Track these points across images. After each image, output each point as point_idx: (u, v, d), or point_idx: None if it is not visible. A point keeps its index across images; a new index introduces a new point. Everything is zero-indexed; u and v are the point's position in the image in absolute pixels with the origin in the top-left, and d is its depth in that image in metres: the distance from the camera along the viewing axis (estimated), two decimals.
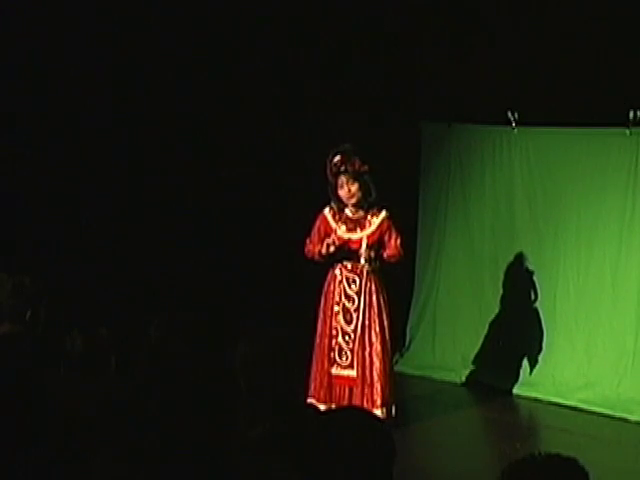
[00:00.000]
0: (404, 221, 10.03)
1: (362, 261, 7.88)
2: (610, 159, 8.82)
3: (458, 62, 9.61)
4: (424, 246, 10.17)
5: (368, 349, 7.88)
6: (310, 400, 7.80)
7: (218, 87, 9.92)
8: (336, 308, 7.94)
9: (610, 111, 8.46)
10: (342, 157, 7.77)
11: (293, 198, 9.91)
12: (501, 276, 9.50)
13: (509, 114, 9.25)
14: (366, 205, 7.92)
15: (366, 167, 7.80)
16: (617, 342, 8.74)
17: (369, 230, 7.91)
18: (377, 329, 7.90)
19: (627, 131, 8.63)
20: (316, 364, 7.93)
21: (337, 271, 7.96)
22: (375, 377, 7.85)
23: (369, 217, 7.93)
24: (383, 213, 7.95)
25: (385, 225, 7.95)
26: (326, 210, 8.00)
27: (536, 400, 9.02)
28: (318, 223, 8.01)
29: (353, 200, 7.87)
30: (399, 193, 9.93)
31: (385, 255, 7.95)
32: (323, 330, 7.96)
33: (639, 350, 8.63)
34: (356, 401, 7.79)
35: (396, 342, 9.40)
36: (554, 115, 8.82)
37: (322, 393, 7.89)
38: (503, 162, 9.57)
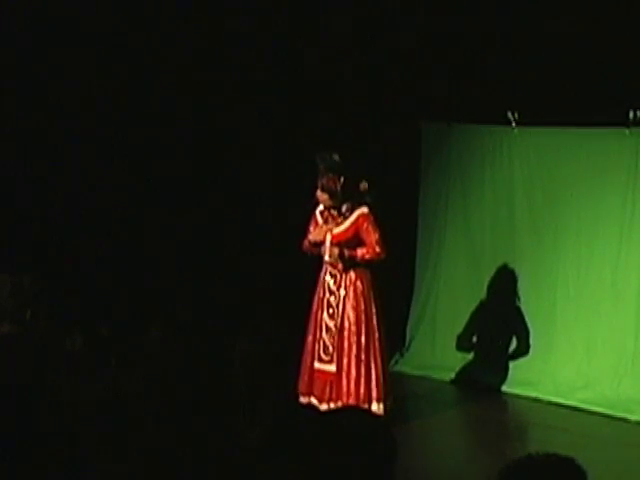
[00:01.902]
0: (404, 221, 10.05)
1: (326, 258, 7.92)
2: (610, 159, 8.82)
3: (458, 62, 9.61)
4: (424, 246, 10.17)
5: (339, 344, 7.93)
6: (301, 396, 7.92)
7: (218, 86, 9.92)
8: (322, 303, 8.03)
9: (610, 111, 8.46)
10: (322, 169, 7.86)
11: (293, 198, 9.91)
12: (501, 276, 9.50)
13: (509, 114, 9.25)
14: (345, 205, 7.96)
15: (338, 188, 7.84)
16: (617, 342, 8.74)
17: (340, 228, 7.95)
18: (351, 321, 7.92)
19: (627, 131, 8.63)
20: (303, 358, 8.04)
21: (324, 268, 8.04)
22: (343, 373, 7.90)
23: (347, 215, 7.97)
24: (359, 210, 7.96)
25: (361, 222, 7.93)
26: (318, 209, 8.08)
27: (536, 400, 9.02)
28: (312, 221, 8.12)
29: (322, 204, 7.98)
30: (399, 193, 9.94)
31: (360, 253, 7.93)
32: (310, 325, 8.07)
33: (639, 350, 8.64)
34: (334, 396, 7.84)
35: (395, 342, 9.41)
36: (554, 115, 8.82)
37: (303, 387, 7.99)
38: (503, 162, 9.57)
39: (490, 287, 9.58)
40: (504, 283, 9.47)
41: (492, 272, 9.57)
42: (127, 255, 9.52)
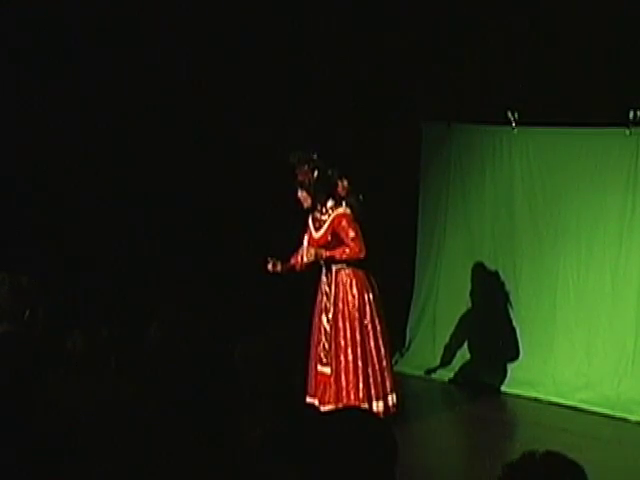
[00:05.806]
0: (404, 221, 10.05)
1: (305, 259, 7.91)
2: (610, 159, 8.81)
3: (458, 62, 9.61)
4: (424, 246, 10.17)
5: (334, 346, 7.95)
6: (308, 397, 7.94)
7: (217, 85, 9.91)
8: (320, 307, 8.09)
9: (610, 111, 8.46)
10: (293, 168, 7.86)
11: (294, 199, 9.90)
12: (500, 276, 9.50)
13: (509, 114, 9.25)
14: (329, 205, 7.94)
15: (308, 179, 7.83)
16: (617, 342, 8.74)
17: (318, 233, 7.95)
18: (345, 321, 7.93)
19: (627, 131, 8.62)
20: (310, 362, 8.07)
21: (322, 270, 8.06)
22: (342, 375, 7.92)
23: (325, 218, 7.96)
24: (336, 211, 7.94)
25: (337, 221, 7.91)
26: (310, 217, 8.09)
27: (536, 400, 9.02)
28: (306, 229, 8.13)
29: (305, 205, 7.95)
30: (399, 193, 9.94)
31: (338, 252, 7.91)
32: (313, 329, 8.11)
33: (639, 350, 8.63)
34: (332, 399, 7.87)
35: (395, 342, 9.40)
36: (554, 115, 8.82)
37: (311, 389, 8.05)
38: (503, 162, 9.57)
39: (490, 287, 9.58)
40: (504, 283, 9.47)
41: (492, 272, 9.57)
42: (127, 255, 9.52)
